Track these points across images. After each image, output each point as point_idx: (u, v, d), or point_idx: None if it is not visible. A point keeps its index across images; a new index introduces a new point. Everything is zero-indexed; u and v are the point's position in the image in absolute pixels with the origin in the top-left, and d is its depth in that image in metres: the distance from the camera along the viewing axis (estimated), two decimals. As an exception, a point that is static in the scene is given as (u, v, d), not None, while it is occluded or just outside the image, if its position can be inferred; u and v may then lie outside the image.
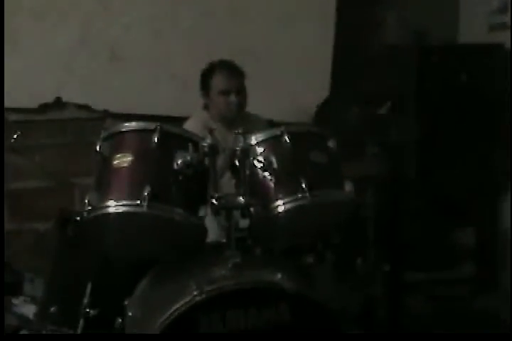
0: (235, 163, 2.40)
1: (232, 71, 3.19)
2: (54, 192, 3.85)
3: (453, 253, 4.30)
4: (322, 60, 4.15)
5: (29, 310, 3.10)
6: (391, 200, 3.23)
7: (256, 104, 3.26)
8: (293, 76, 4.07)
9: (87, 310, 2.63)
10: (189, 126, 3.18)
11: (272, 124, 3.47)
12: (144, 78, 3.88)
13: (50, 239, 3.14)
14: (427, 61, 4.17)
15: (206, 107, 3.31)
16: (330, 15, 4.15)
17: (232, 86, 3.16)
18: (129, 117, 3.67)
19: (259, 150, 2.41)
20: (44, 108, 3.82)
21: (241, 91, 3.18)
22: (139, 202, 2.20)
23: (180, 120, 3.29)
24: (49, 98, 3.80)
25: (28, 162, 3.36)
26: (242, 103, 3.18)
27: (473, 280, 4.28)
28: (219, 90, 3.16)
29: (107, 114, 3.88)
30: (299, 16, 4.10)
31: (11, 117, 3.76)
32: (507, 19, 4.28)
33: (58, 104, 3.83)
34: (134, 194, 2.22)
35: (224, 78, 3.17)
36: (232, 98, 3.14)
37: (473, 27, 4.61)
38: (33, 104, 3.79)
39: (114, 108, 3.86)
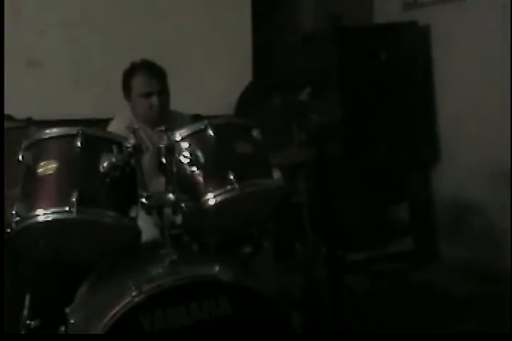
0: (161, 161, 2.40)
1: (153, 72, 3.11)
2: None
3: (390, 230, 4.39)
4: (242, 49, 4.19)
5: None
6: (322, 184, 3.27)
7: (181, 100, 3.23)
8: (215, 69, 4.09)
9: (28, 321, 2.59)
10: (113, 127, 3.14)
11: (199, 119, 3.47)
12: (64, 82, 3.85)
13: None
14: (346, 43, 4.24)
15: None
16: (246, 6, 4.17)
17: (154, 87, 3.08)
18: (54, 124, 3.60)
19: (185, 145, 2.41)
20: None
21: (163, 92, 3.11)
22: (67, 208, 2.18)
23: (105, 122, 3.26)
24: (-33, 110, 3.72)
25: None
26: (164, 103, 3.11)
27: (412, 254, 4.38)
28: (140, 92, 3.09)
29: (30, 122, 3.80)
30: (216, 9, 4.12)
31: None
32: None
33: (-22, 115, 3.75)
34: (62, 200, 2.20)
35: (145, 80, 3.09)
36: (154, 100, 3.07)
37: (388, 7, 4.70)
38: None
39: (37, 115, 3.80)
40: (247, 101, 3.48)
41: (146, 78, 3.10)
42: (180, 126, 2.53)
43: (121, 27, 3.90)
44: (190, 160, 2.37)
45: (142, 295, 2.15)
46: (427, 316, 3.39)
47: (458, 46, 4.16)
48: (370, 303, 3.60)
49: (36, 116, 3.81)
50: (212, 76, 4.07)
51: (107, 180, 2.28)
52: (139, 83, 3.10)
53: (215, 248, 2.62)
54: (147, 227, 2.44)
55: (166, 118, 3.06)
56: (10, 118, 3.78)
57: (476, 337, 2.99)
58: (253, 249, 2.78)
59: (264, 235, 2.87)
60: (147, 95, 3.08)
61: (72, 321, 2.38)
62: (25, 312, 2.61)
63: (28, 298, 2.62)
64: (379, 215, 4.35)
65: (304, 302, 3.21)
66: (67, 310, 2.46)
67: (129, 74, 3.15)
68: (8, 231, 2.32)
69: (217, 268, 2.26)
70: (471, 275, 3.86)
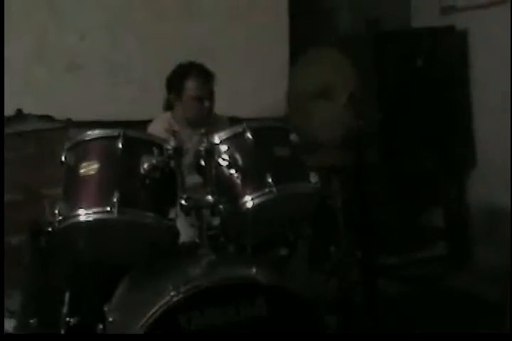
0: (200, 163, 2.44)
1: (207, 76, 3.15)
2: (23, 205, 3.83)
3: (423, 234, 4.38)
4: (279, 53, 4.19)
5: (9, 325, 3.10)
6: (357, 188, 3.28)
7: (218, 102, 3.25)
8: (252, 71, 4.11)
9: (67, 319, 2.63)
10: (153, 128, 3.19)
11: (235, 121, 3.50)
12: (103, 84, 3.89)
13: (23, 251, 3.14)
14: (382, 48, 4.23)
15: (169, 108, 3.30)
16: (283, 8, 4.19)
17: (206, 92, 3.13)
18: (92, 125, 3.67)
19: (223, 148, 2.44)
20: (5, 121, 3.80)
21: (212, 96, 3.17)
22: (109, 208, 2.22)
23: (143, 123, 3.30)
24: (10, 111, 3.78)
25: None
26: (212, 107, 3.17)
27: (445, 259, 4.36)
28: (193, 96, 3.12)
29: (69, 123, 3.87)
30: (252, 11, 4.14)
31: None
32: (455, 2, 4.37)
33: (19, 116, 3.81)
34: (103, 201, 2.25)
35: (199, 84, 3.12)
36: (206, 104, 3.12)
37: (425, 11, 4.68)
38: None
39: (76, 116, 3.86)
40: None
41: (201, 82, 3.13)
42: (218, 129, 2.57)
43: (158, 29, 3.93)
44: (229, 162, 2.40)
45: (180, 296, 2.17)
46: (460, 321, 3.37)
47: (496, 51, 4.13)
48: (402, 307, 3.59)
49: (75, 117, 3.88)
50: (249, 78, 4.09)
51: (147, 181, 2.32)
52: (193, 86, 3.13)
53: (251, 249, 2.64)
54: (183, 228, 2.48)
55: (208, 121, 3.10)
56: (50, 119, 3.86)
57: (477, 337, 2.98)
58: (288, 252, 2.80)
59: (300, 238, 2.89)
60: (199, 99, 3.12)
61: (110, 319, 2.42)
62: (65, 309, 2.66)
63: (67, 295, 2.67)
64: (413, 220, 4.34)
65: (338, 305, 3.22)
66: (106, 308, 2.50)
67: (182, 76, 3.16)
68: (50, 229, 2.37)
69: (254, 270, 2.28)
70: (504, 281, 3.83)
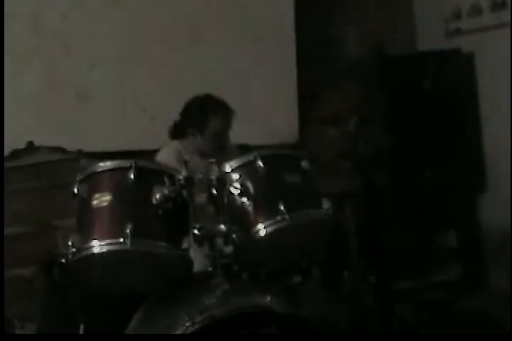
0: (212, 192, 2.44)
1: (229, 113, 3.19)
2: (35, 236, 3.83)
3: (437, 257, 4.35)
4: (287, 79, 4.22)
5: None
6: (369, 212, 3.28)
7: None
8: (260, 98, 4.13)
9: (82, 351, 2.63)
10: (162, 157, 3.19)
11: (245, 148, 3.52)
12: (113, 115, 3.92)
13: (36, 284, 3.14)
14: (389, 72, 4.26)
15: (177, 137, 3.30)
16: (290, 35, 4.23)
17: (227, 128, 3.19)
18: (103, 155, 3.69)
19: (235, 176, 2.44)
20: (17, 154, 3.82)
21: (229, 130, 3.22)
22: (122, 239, 2.22)
23: (153, 153, 3.31)
24: (21, 143, 3.81)
25: (7, 209, 3.36)
26: (227, 142, 3.23)
27: (460, 282, 4.32)
28: (216, 131, 3.16)
29: (80, 154, 3.89)
30: (259, 38, 4.18)
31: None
32: (461, 25, 4.40)
33: (31, 148, 3.84)
34: (116, 232, 2.25)
35: (223, 120, 3.17)
36: (226, 138, 3.19)
37: (431, 34, 4.71)
38: (6, 151, 3.79)
39: (87, 147, 3.88)
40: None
41: (225, 118, 3.18)
42: (228, 157, 2.58)
43: (167, 60, 3.97)
44: (241, 191, 2.40)
45: (196, 326, 2.17)
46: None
47: (503, 73, 4.14)
48: (416, 332, 3.56)
49: (86, 148, 3.90)
50: (258, 106, 4.11)
51: (160, 211, 2.32)
52: (217, 123, 3.17)
53: (264, 277, 2.64)
54: (196, 257, 2.47)
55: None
56: (61, 150, 3.88)
57: (477, 337, 2.94)
58: (302, 278, 2.79)
59: (313, 264, 2.88)
60: (220, 135, 3.17)
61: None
62: (80, 341, 2.66)
63: (82, 327, 2.67)
64: (426, 243, 4.32)
65: (352, 331, 3.20)
66: (121, 339, 2.49)
67: (206, 112, 3.18)
68: (64, 261, 2.37)
69: (268, 298, 2.28)
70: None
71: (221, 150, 3.15)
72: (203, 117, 3.18)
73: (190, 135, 3.23)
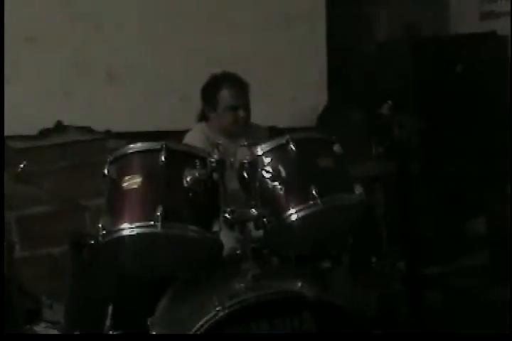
0: (243, 175, 2.41)
1: (240, 85, 3.14)
2: (64, 216, 3.84)
3: (466, 244, 4.30)
4: (317, 61, 4.17)
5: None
6: (400, 197, 3.23)
7: (257, 112, 3.24)
8: (290, 80, 4.09)
9: (111, 331, 2.63)
10: (190, 139, 3.17)
11: (274, 131, 3.48)
12: (142, 95, 3.89)
13: (65, 263, 3.14)
14: (422, 54, 4.18)
15: (203, 119, 3.28)
16: (320, 16, 4.17)
17: (241, 101, 3.11)
18: (131, 135, 3.69)
19: (267, 160, 2.41)
20: (45, 133, 3.83)
21: (247, 105, 3.14)
22: (152, 222, 2.21)
23: (181, 133, 3.29)
24: (49, 123, 3.81)
25: (35, 189, 3.37)
26: (248, 117, 3.15)
27: (488, 269, 4.28)
28: (227, 105, 3.10)
29: (108, 134, 3.89)
30: (290, 20, 4.13)
31: (15, 145, 3.76)
32: (496, 7, 4.31)
33: (59, 128, 3.84)
34: (146, 215, 2.23)
35: (233, 93, 3.10)
36: (241, 113, 3.10)
37: (464, 17, 4.62)
38: (34, 130, 3.80)
39: (116, 127, 3.88)
40: (328, 115, 3.47)
41: (234, 91, 3.11)
42: (258, 139, 2.55)
43: (198, 40, 3.93)
44: (272, 175, 2.37)
45: (226, 311, 2.16)
46: (501, 332, 3.29)
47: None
48: (446, 319, 3.53)
49: (114, 129, 3.89)
50: (288, 87, 4.07)
51: (190, 194, 2.30)
52: (227, 96, 3.11)
53: (294, 262, 2.62)
54: (226, 240, 2.45)
55: (246, 131, 3.07)
56: (90, 130, 3.88)
57: (477, 337, 2.91)
58: (332, 264, 2.76)
59: (344, 249, 2.85)
60: (234, 108, 3.10)
61: (154, 333, 2.41)
62: (108, 322, 2.65)
63: (110, 307, 2.66)
64: (456, 229, 4.27)
65: (382, 317, 3.17)
66: (149, 321, 2.48)
67: (215, 87, 3.15)
68: (93, 242, 2.36)
69: (299, 284, 2.25)
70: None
71: (241, 128, 3.11)
72: (213, 92, 3.14)
73: (208, 114, 3.20)
